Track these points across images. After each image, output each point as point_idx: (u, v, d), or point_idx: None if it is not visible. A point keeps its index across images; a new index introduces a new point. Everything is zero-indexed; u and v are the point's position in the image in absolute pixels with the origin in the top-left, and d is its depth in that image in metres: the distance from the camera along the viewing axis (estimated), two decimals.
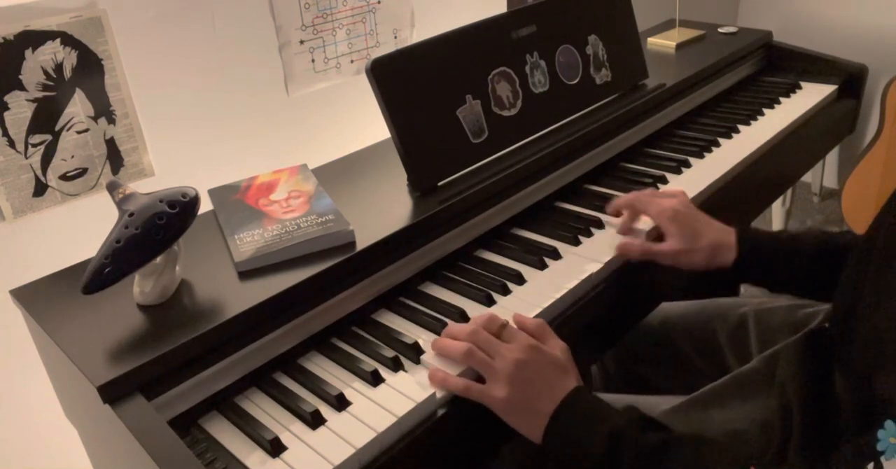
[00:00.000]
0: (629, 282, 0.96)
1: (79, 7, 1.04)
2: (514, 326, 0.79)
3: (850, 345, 0.66)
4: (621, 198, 1.00)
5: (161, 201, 0.77)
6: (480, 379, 0.75)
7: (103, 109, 1.10)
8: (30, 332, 0.85)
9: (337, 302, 0.85)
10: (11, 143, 1.02)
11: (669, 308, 1.12)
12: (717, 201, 1.14)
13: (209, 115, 1.23)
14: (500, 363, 0.73)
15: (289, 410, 0.74)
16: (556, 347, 0.77)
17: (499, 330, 0.77)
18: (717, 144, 1.26)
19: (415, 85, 0.97)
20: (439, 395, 0.76)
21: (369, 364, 0.79)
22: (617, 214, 1.02)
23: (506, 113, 1.07)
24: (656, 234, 0.99)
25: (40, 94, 1.03)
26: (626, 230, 0.99)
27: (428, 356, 0.80)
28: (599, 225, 1.03)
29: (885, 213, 0.71)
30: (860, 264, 0.70)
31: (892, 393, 0.56)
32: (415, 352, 0.80)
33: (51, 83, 1.04)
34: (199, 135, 1.23)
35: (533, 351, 0.74)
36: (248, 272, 0.83)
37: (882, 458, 0.54)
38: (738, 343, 1.03)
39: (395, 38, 1.45)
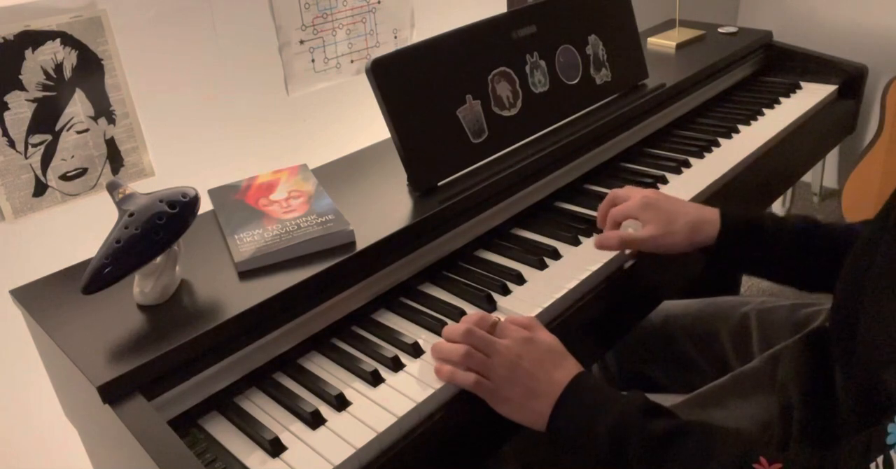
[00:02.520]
0: (630, 281, 0.96)
1: (79, 7, 1.04)
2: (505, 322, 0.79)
3: (854, 339, 0.65)
4: (600, 210, 1.00)
5: (161, 201, 0.77)
6: None
7: (103, 109, 1.10)
8: (30, 332, 0.85)
9: (337, 302, 0.85)
10: (11, 143, 1.02)
11: (671, 307, 1.12)
12: (717, 201, 1.13)
13: (209, 114, 1.23)
14: (497, 361, 0.73)
15: (289, 410, 0.74)
16: (548, 337, 0.77)
17: (491, 328, 0.77)
18: (717, 144, 1.26)
19: (415, 85, 0.97)
20: (441, 386, 0.75)
21: (369, 364, 0.79)
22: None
23: (506, 113, 1.07)
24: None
25: (40, 94, 1.03)
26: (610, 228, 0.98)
27: (428, 356, 0.80)
28: None
29: (891, 208, 0.70)
30: (865, 255, 0.69)
31: None
32: (415, 352, 0.80)
33: (51, 83, 1.03)
34: (199, 135, 1.23)
35: (527, 343, 0.75)
36: (248, 272, 0.83)
37: (892, 452, 0.54)
38: (740, 342, 1.03)
39: (395, 38, 1.45)
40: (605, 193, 1.11)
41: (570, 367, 0.74)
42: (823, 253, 0.86)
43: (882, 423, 0.55)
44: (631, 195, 0.96)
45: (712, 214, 0.90)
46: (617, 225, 0.96)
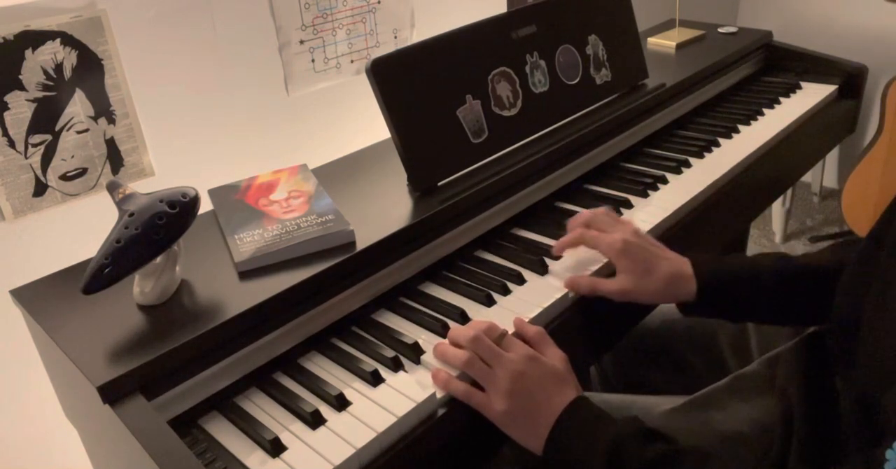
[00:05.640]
0: None
1: (79, 7, 1.04)
2: (513, 336, 0.79)
3: (853, 358, 0.65)
4: (568, 236, 0.93)
5: (161, 201, 0.77)
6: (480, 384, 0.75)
7: (103, 109, 1.10)
8: (30, 332, 0.85)
9: (337, 302, 0.85)
10: (11, 143, 1.02)
11: (668, 310, 1.11)
12: (717, 201, 1.14)
13: (209, 115, 1.23)
14: (499, 374, 0.73)
15: (289, 410, 0.74)
16: (555, 357, 0.77)
17: (498, 339, 0.77)
18: (717, 144, 1.26)
19: (415, 85, 0.97)
20: (440, 395, 0.76)
21: (369, 364, 0.79)
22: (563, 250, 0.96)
23: (506, 113, 1.07)
24: (608, 272, 0.93)
25: (40, 94, 1.03)
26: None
27: (428, 356, 0.80)
28: None
29: (886, 221, 0.69)
30: (862, 274, 0.69)
31: None
32: (415, 352, 0.80)
33: (51, 83, 1.04)
34: (199, 135, 1.23)
35: (532, 362, 0.74)
36: (248, 272, 0.83)
37: None
38: (739, 346, 1.02)
39: (395, 38, 1.45)
40: (605, 193, 1.12)
41: (569, 392, 0.74)
42: (802, 290, 0.84)
43: (880, 447, 0.54)
44: (612, 227, 0.91)
45: (687, 268, 0.86)
46: (577, 245, 0.92)
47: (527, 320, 0.84)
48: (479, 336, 0.76)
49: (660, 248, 0.89)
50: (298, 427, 0.72)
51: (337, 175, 1.05)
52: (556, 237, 1.00)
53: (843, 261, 0.82)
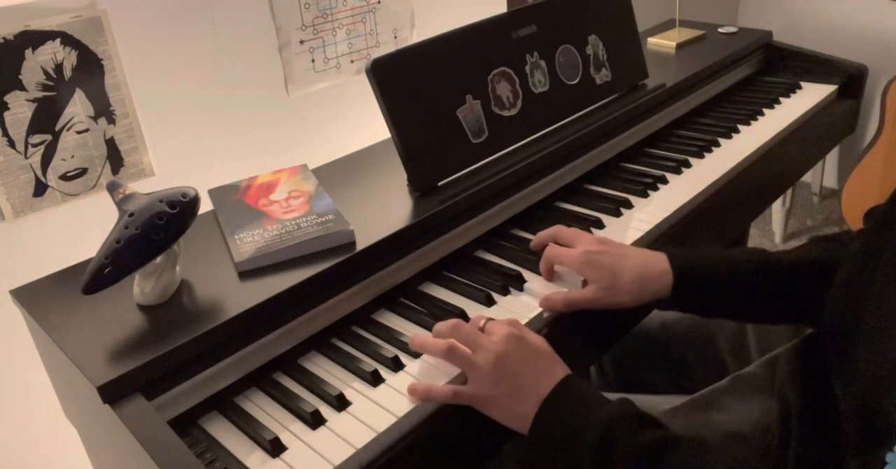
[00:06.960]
0: None
1: (79, 7, 1.04)
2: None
3: (850, 361, 0.64)
4: (541, 267, 0.92)
5: (161, 201, 0.77)
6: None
7: (103, 109, 1.10)
8: (30, 332, 0.85)
9: (337, 302, 0.85)
10: (11, 143, 1.02)
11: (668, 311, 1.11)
12: (717, 201, 1.14)
13: (209, 115, 1.23)
14: (481, 357, 0.72)
15: (289, 410, 0.74)
16: (536, 338, 0.76)
17: (482, 325, 0.77)
18: (717, 144, 1.26)
19: (415, 85, 0.97)
20: (413, 404, 0.74)
21: (369, 364, 0.79)
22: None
23: (506, 113, 1.07)
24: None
25: (40, 94, 1.03)
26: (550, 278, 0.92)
27: (427, 356, 0.80)
28: (599, 225, 1.03)
29: (885, 224, 0.69)
30: (862, 273, 0.68)
31: None
32: (414, 352, 0.80)
33: (51, 83, 1.04)
34: (199, 135, 1.23)
35: (514, 341, 0.73)
36: (248, 272, 0.83)
37: None
38: (738, 346, 1.02)
39: (395, 38, 1.45)
40: (605, 193, 1.12)
41: (557, 370, 0.73)
42: (780, 288, 0.83)
43: (880, 451, 0.54)
44: (574, 241, 0.89)
45: (660, 263, 0.84)
46: (550, 266, 0.91)
47: (527, 320, 0.84)
48: (459, 323, 0.75)
49: (627, 249, 0.88)
50: (298, 427, 0.72)
51: (337, 175, 1.05)
52: None
53: (821, 258, 0.82)
